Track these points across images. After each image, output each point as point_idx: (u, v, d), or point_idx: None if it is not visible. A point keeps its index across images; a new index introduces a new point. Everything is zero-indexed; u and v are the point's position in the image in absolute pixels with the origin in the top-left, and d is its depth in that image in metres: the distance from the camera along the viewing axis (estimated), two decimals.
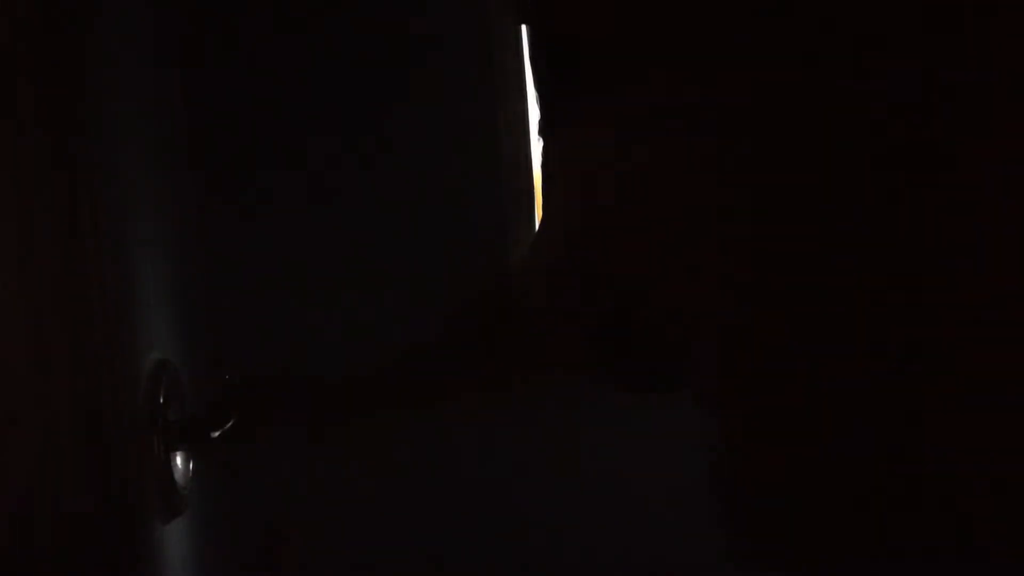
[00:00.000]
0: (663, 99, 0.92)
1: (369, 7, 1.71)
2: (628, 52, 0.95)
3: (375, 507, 1.77)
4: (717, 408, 0.97)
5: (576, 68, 1.00)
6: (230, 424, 1.23)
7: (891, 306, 0.86)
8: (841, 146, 0.87)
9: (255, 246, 1.73)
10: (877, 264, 0.86)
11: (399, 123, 1.72)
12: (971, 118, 0.85)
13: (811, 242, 0.88)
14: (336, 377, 1.26)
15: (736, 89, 0.89)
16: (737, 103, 0.89)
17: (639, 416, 1.70)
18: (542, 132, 1.09)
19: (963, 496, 0.86)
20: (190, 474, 1.34)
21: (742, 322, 0.91)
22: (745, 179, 0.89)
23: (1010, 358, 0.84)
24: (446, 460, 1.77)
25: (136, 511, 1.18)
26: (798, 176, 0.88)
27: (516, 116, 1.75)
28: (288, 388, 1.27)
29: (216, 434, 1.24)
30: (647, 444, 1.74)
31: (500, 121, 1.73)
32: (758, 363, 0.92)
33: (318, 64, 1.71)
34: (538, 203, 1.75)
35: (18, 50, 0.96)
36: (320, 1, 1.71)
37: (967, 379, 0.85)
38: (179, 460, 1.30)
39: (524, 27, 1.12)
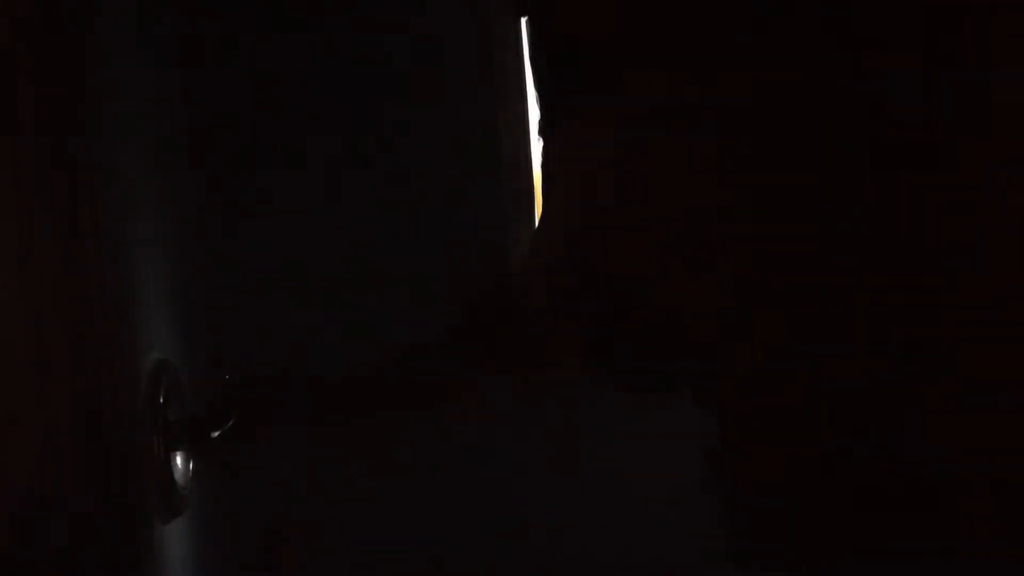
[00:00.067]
0: (663, 99, 0.92)
1: (369, 7, 1.71)
2: (628, 52, 0.95)
3: (375, 507, 1.77)
4: (717, 408, 0.97)
5: (576, 68, 1.00)
6: (230, 424, 1.23)
7: (891, 306, 0.86)
8: (841, 146, 0.87)
9: (255, 246, 1.73)
10: (877, 264, 0.86)
11: (399, 123, 1.72)
12: (971, 118, 0.85)
13: (811, 242, 0.88)
14: (336, 377, 1.26)
15: (736, 89, 0.89)
16: (737, 103, 0.89)
17: (639, 416, 1.70)
18: (542, 132, 1.09)
19: (963, 496, 0.86)
20: (190, 474, 1.34)
21: (742, 322, 0.91)
22: (745, 179, 0.89)
23: (1010, 358, 0.84)
24: (446, 460, 1.77)
25: (136, 511, 1.18)
26: (798, 176, 0.88)
27: (516, 116, 1.75)
28: (288, 388, 1.27)
29: (216, 434, 1.24)
30: (647, 444, 1.74)
31: (500, 121, 1.73)
32: (758, 363, 0.92)
33: (318, 64, 1.71)
34: (538, 203, 1.75)
35: (18, 50, 0.96)
36: (320, 1, 1.71)
37: (967, 379, 0.85)
38: (179, 460, 1.30)
39: (524, 27, 1.12)
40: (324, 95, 1.71)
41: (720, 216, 0.90)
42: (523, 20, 1.15)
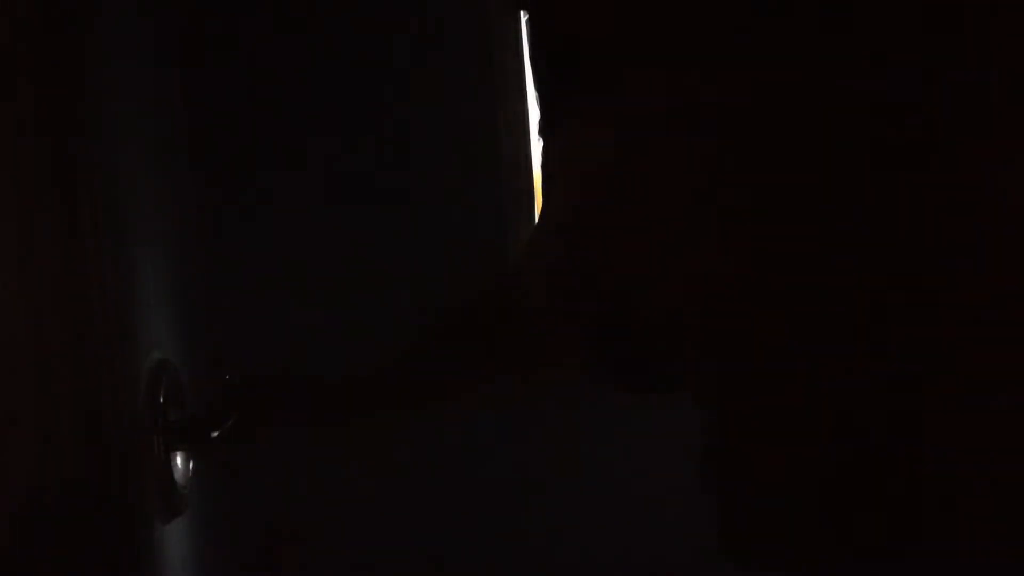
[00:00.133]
0: (663, 99, 0.92)
1: (369, 7, 1.71)
2: (628, 52, 0.95)
3: (375, 507, 1.77)
4: (716, 407, 0.97)
5: (576, 68, 1.00)
6: (230, 424, 1.23)
7: (891, 306, 0.86)
8: (841, 146, 0.87)
9: (255, 246, 1.73)
10: (877, 264, 0.86)
11: (399, 123, 1.72)
12: (971, 118, 0.85)
13: (811, 242, 0.88)
14: (336, 377, 1.26)
15: (736, 89, 0.89)
16: (737, 103, 0.89)
17: (639, 416, 1.70)
18: (542, 132, 1.09)
19: (963, 496, 0.86)
20: (190, 474, 1.34)
21: (741, 322, 0.91)
22: (745, 179, 0.89)
23: (1010, 358, 0.84)
24: (446, 460, 1.77)
25: (136, 511, 1.18)
26: (798, 176, 0.88)
27: (516, 116, 1.75)
28: (288, 388, 1.26)
29: (216, 434, 1.24)
30: (647, 444, 1.74)
31: (500, 121, 1.73)
32: (757, 363, 0.92)
33: (318, 64, 1.71)
34: (538, 203, 1.75)
35: (18, 50, 0.96)
36: (320, 1, 1.71)
37: (967, 379, 0.85)
38: (179, 460, 1.30)
39: (524, 27, 1.12)
40: (324, 95, 1.71)
41: (720, 216, 0.90)
42: (523, 20, 1.15)
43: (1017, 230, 0.84)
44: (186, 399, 1.35)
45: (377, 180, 1.73)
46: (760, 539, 0.96)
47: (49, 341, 0.97)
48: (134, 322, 1.23)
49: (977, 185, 0.84)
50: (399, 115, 1.72)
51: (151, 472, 1.23)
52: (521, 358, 1.19)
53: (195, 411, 1.32)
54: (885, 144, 0.86)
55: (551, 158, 1.07)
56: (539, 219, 1.10)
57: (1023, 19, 0.84)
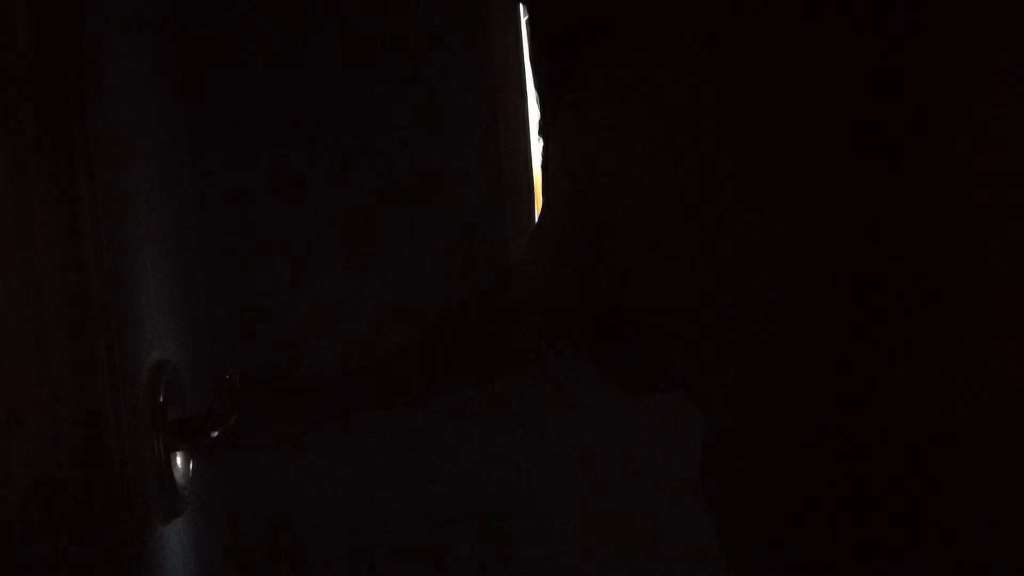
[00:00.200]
0: (663, 98, 0.92)
1: (369, 7, 1.71)
2: (628, 51, 0.95)
3: (375, 507, 1.77)
4: (715, 407, 0.97)
5: (576, 68, 1.00)
6: (230, 424, 1.23)
7: (895, 306, 0.86)
8: (843, 144, 0.87)
9: (255, 246, 1.73)
10: (880, 263, 0.86)
11: (399, 123, 1.72)
12: (971, 115, 0.85)
13: (812, 241, 0.88)
14: (335, 376, 1.26)
15: (736, 88, 0.89)
16: (737, 101, 0.89)
17: (639, 415, 1.71)
18: (542, 132, 1.09)
19: (964, 495, 0.86)
20: (190, 474, 1.34)
21: (742, 320, 0.91)
22: (745, 178, 0.89)
23: (1012, 357, 0.84)
24: (446, 460, 1.77)
25: (136, 511, 1.18)
26: (799, 175, 0.88)
27: (516, 116, 1.75)
28: (288, 388, 1.26)
29: (216, 434, 1.24)
30: (647, 444, 1.74)
31: (500, 121, 1.73)
32: (758, 362, 0.92)
33: (318, 64, 1.71)
34: (538, 202, 1.75)
35: (18, 50, 0.96)
36: (320, 1, 1.71)
37: (969, 378, 0.85)
38: (179, 460, 1.30)
39: (524, 26, 1.12)
40: (324, 95, 1.71)
41: (720, 215, 0.90)
42: (523, 20, 1.14)
43: (1017, 228, 0.84)
44: (186, 399, 1.35)
45: (377, 180, 1.73)
46: (759, 538, 0.96)
47: (49, 341, 0.97)
48: (134, 322, 1.23)
49: (983, 184, 0.84)
50: (399, 114, 1.72)
51: (151, 472, 1.23)
52: (521, 358, 1.19)
53: (195, 411, 1.32)
54: (887, 142, 0.86)
55: (551, 158, 1.07)
56: (538, 219, 1.10)
57: (1022, 16, 0.84)
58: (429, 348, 1.21)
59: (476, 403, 1.70)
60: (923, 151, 0.85)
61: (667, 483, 1.72)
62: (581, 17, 1.01)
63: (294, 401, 1.25)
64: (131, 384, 1.19)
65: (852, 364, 0.88)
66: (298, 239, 1.73)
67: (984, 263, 0.84)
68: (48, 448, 0.96)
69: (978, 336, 0.85)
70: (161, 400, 1.25)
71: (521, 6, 1.20)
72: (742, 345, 0.92)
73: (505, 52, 1.73)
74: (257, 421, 1.25)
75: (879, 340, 0.87)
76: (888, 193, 0.86)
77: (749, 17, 0.90)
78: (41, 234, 0.97)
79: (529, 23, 1.08)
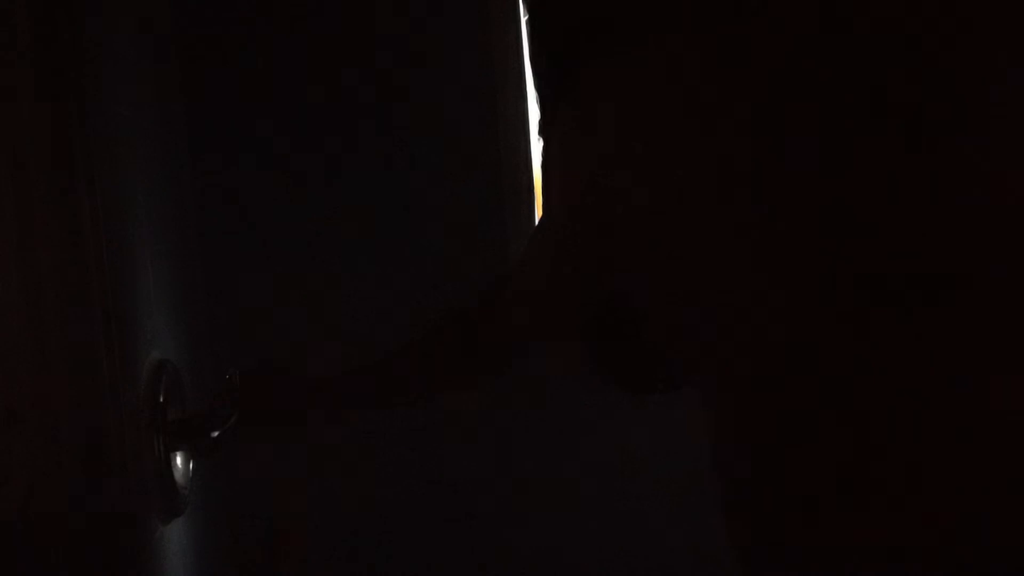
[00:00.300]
0: (663, 98, 0.92)
1: (369, 7, 1.71)
2: (628, 50, 0.95)
3: (374, 507, 1.77)
4: (721, 406, 0.97)
5: (576, 68, 1.00)
6: (230, 424, 1.23)
7: (896, 306, 0.86)
8: (845, 142, 0.87)
9: (255, 246, 1.73)
10: (880, 263, 0.86)
11: (399, 123, 1.72)
12: (972, 118, 0.85)
13: (813, 241, 0.88)
14: (335, 376, 1.26)
15: (737, 88, 0.89)
16: (737, 101, 0.89)
17: (639, 415, 1.71)
18: (542, 132, 1.09)
19: (970, 496, 0.86)
20: (190, 474, 1.34)
21: (742, 320, 0.91)
22: (745, 177, 0.89)
23: (1012, 358, 0.84)
24: (445, 460, 1.77)
25: (136, 511, 1.18)
26: (801, 173, 0.88)
27: (516, 116, 1.75)
28: (288, 388, 1.26)
29: (216, 434, 1.24)
30: (646, 444, 1.74)
31: (500, 121, 1.73)
32: (760, 362, 0.92)
33: (318, 64, 1.71)
34: (538, 202, 1.75)
35: (18, 49, 0.96)
36: (320, 1, 1.71)
37: (975, 379, 0.85)
38: (179, 460, 1.30)
39: (524, 26, 1.12)
40: (324, 95, 1.71)
41: (720, 216, 0.90)
42: (523, 20, 1.15)
43: (1016, 227, 0.84)
44: (186, 399, 1.35)
45: (377, 180, 1.73)
46: (764, 537, 0.96)
47: (49, 341, 0.97)
48: (134, 322, 1.23)
49: (986, 181, 0.84)
50: (399, 114, 1.72)
51: (151, 472, 1.23)
52: (521, 358, 1.19)
53: (195, 411, 1.32)
54: (881, 141, 0.86)
55: (551, 158, 1.07)
56: (538, 220, 1.10)
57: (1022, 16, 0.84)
58: (429, 348, 1.20)
59: (476, 403, 1.70)
60: (924, 151, 0.85)
61: (667, 483, 1.73)
62: (581, 17, 1.00)
63: (294, 401, 1.25)
64: (131, 384, 1.19)
65: (852, 364, 0.88)
66: (298, 239, 1.73)
67: (985, 264, 0.84)
68: (48, 448, 0.96)
69: (979, 336, 0.85)
70: (161, 400, 1.25)
71: (521, 6, 1.20)
72: (742, 345, 0.92)
73: (505, 52, 1.73)
74: (257, 421, 1.25)
75: (879, 340, 0.87)
76: (888, 193, 0.86)
77: (749, 17, 0.90)
78: (41, 234, 0.97)
79: (529, 23, 1.07)
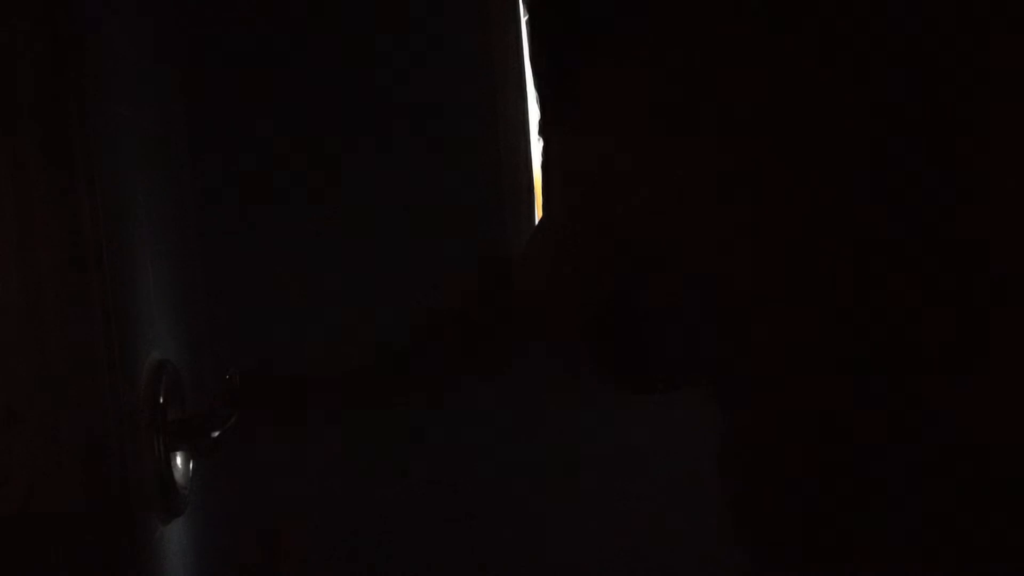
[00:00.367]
0: (664, 97, 0.92)
1: (369, 7, 1.71)
2: (629, 51, 0.95)
3: (375, 507, 1.77)
4: (729, 406, 0.97)
5: (576, 67, 1.00)
6: (230, 424, 1.23)
7: (896, 306, 0.86)
8: (846, 144, 0.87)
9: (255, 246, 1.73)
10: (880, 264, 0.86)
11: (399, 123, 1.72)
12: (971, 117, 0.85)
13: (815, 239, 0.88)
14: (335, 376, 1.26)
15: (737, 89, 0.89)
16: (738, 103, 0.89)
17: (639, 416, 1.71)
18: (542, 132, 1.09)
19: (982, 495, 0.86)
20: (190, 474, 1.34)
21: (743, 321, 0.91)
22: (746, 178, 0.89)
23: (1013, 359, 0.84)
24: (445, 459, 1.77)
25: (136, 511, 1.18)
26: (802, 175, 0.88)
27: (516, 116, 1.75)
28: (287, 387, 1.27)
29: (216, 434, 1.24)
30: (647, 443, 1.74)
31: (500, 121, 1.73)
32: (759, 362, 0.92)
33: (318, 64, 1.71)
34: (538, 202, 1.75)
35: (18, 49, 0.96)
36: (320, 1, 1.71)
37: (986, 382, 0.85)
38: (179, 460, 1.30)
39: (524, 26, 1.12)
40: (324, 95, 1.71)
41: (722, 215, 0.90)
42: (523, 20, 1.15)
43: (1016, 227, 0.84)
44: (186, 399, 1.35)
45: (377, 180, 1.73)
46: (771, 536, 0.96)
47: (49, 341, 0.97)
48: (134, 322, 1.23)
49: (997, 186, 0.84)
50: (399, 114, 1.72)
51: (151, 472, 1.23)
52: (520, 358, 1.19)
53: (195, 411, 1.32)
54: (881, 141, 0.86)
55: (551, 158, 1.07)
56: (539, 221, 1.10)
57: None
58: (429, 348, 1.21)
59: (476, 403, 1.70)
60: (925, 151, 0.85)
61: (667, 484, 1.73)
62: (581, 17, 1.00)
63: (294, 401, 1.25)
64: (131, 384, 1.19)
65: (852, 365, 0.88)
66: (298, 239, 1.73)
67: (985, 264, 0.84)
68: (48, 448, 0.96)
69: (979, 337, 0.85)
70: (161, 400, 1.25)
71: (521, 6, 1.20)
72: (742, 345, 0.92)
73: (505, 52, 1.73)
74: (257, 422, 1.25)
75: (880, 341, 0.87)
76: (889, 194, 0.86)
77: (749, 17, 0.90)
78: (41, 234, 0.97)
79: (529, 23, 1.08)
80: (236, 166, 1.71)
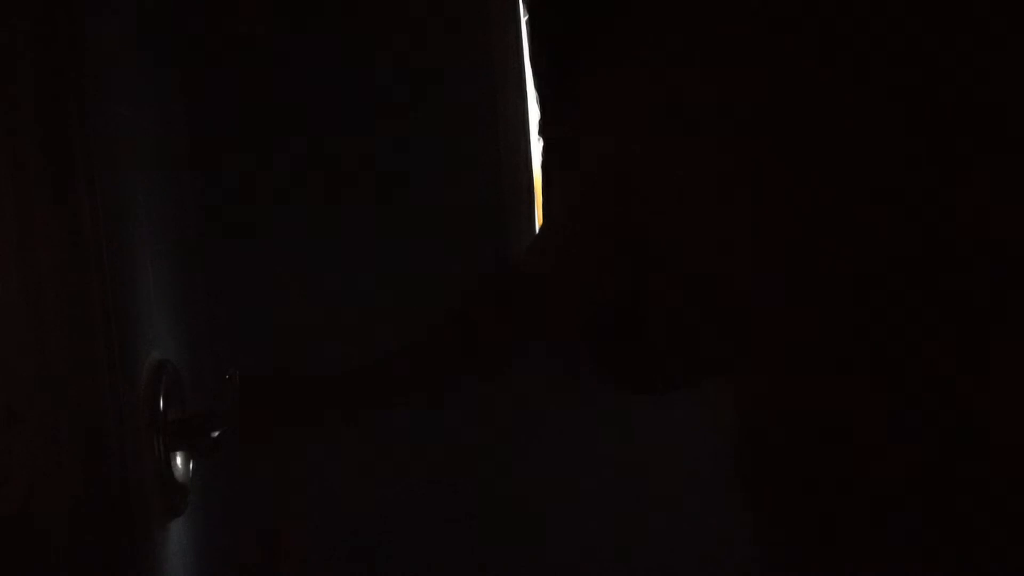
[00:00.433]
0: (664, 98, 0.92)
1: (369, 7, 1.71)
2: (629, 51, 0.95)
3: (375, 507, 1.77)
4: (720, 406, 0.97)
5: (576, 67, 1.00)
6: (230, 424, 1.23)
7: (896, 306, 0.86)
8: (842, 146, 0.87)
9: (255, 246, 1.73)
10: (880, 263, 0.86)
11: (399, 123, 1.72)
12: (972, 117, 0.85)
13: (812, 240, 0.88)
14: (335, 376, 1.26)
15: (737, 88, 0.89)
16: (738, 103, 0.89)
17: (640, 415, 1.70)
18: (542, 132, 1.09)
19: (982, 495, 0.85)
20: (190, 474, 1.34)
21: (743, 319, 0.91)
22: (747, 178, 0.89)
23: (1012, 358, 0.84)
24: (446, 460, 1.77)
25: (136, 511, 1.18)
26: (802, 175, 0.88)
27: (516, 116, 1.75)
28: (288, 388, 1.26)
29: (216, 434, 1.24)
30: (647, 444, 1.74)
31: (500, 121, 1.73)
32: (760, 361, 0.92)
33: (318, 64, 1.71)
34: (538, 203, 1.75)
35: (18, 49, 0.96)
36: (320, 1, 1.71)
37: (989, 379, 0.85)
38: (179, 460, 1.30)
39: (524, 26, 1.12)
40: (324, 95, 1.71)
41: (724, 215, 0.90)
42: (523, 19, 1.14)
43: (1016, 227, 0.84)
44: (186, 399, 1.35)
45: (377, 180, 1.73)
46: (760, 539, 0.96)
47: (49, 341, 0.97)
48: (134, 322, 1.23)
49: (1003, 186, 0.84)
50: (399, 114, 1.72)
51: (151, 472, 1.23)
52: (522, 358, 1.19)
53: (195, 411, 1.32)
54: (881, 141, 0.86)
55: (551, 158, 1.07)
56: (540, 223, 1.10)
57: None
58: (429, 348, 1.20)
59: (476, 403, 1.70)
60: (925, 151, 0.85)
61: (667, 484, 1.72)
62: (581, 17, 1.01)
63: (295, 402, 1.25)
64: (131, 384, 1.19)
65: (852, 365, 0.88)
66: (298, 239, 1.73)
67: (985, 265, 0.84)
68: (48, 448, 0.96)
69: (979, 337, 0.85)
70: (161, 400, 1.25)
71: (521, 6, 1.20)
72: (744, 345, 0.92)
73: (505, 52, 1.73)
74: (258, 422, 1.25)
75: (880, 341, 0.87)
76: (889, 194, 0.86)
77: (749, 17, 0.90)
78: (41, 234, 0.97)
79: (529, 23, 1.08)
80: (236, 166, 1.71)
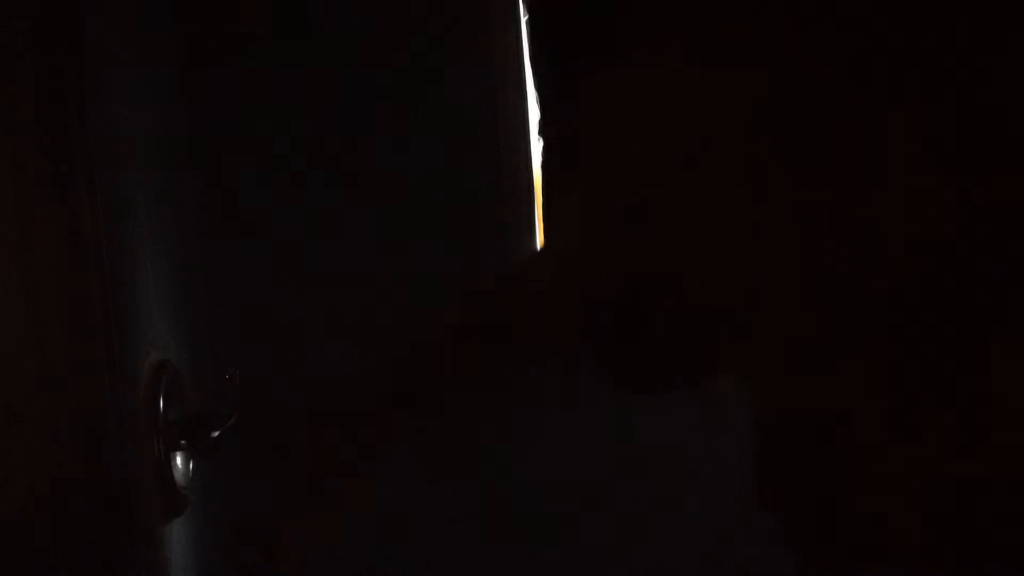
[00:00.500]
0: (662, 99, 0.92)
1: (369, 7, 1.71)
2: (629, 50, 0.95)
3: (375, 507, 1.77)
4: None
5: (576, 66, 1.00)
6: (230, 424, 1.23)
7: (896, 307, 0.86)
8: (842, 146, 0.87)
9: (255, 246, 1.73)
10: (881, 264, 0.86)
11: (399, 123, 1.72)
12: (971, 117, 0.85)
13: (812, 241, 0.88)
14: (336, 377, 1.26)
15: (737, 88, 0.89)
16: (741, 102, 0.89)
17: (640, 415, 1.71)
18: (542, 132, 1.09)
19: (982, 495, 0.85)
20: (190, 474, 1.34)
21: (743, 319, 0.91)
22: (747, 178, 0.89)
23: (1011, 358, 0.84)
24: (447, 461, 1.77)
25: (136, 511, 1.18)
26: (810, 178, 0.88)
27: (516, 116, 1.75)
28: (288, 389, 1.26)
29: (216, 434, 1.24)
30: (647, 444, 1.74)
31: (500, 121, 1.73)
32: (760, 362, 0.92)
33: (318, 64, 1.71)
34: (538, 202, 1.75)
35: (18, 49, 0.96)
36: (321, 1, 1.71)
37: (989, 379, 0.85)
38: (179, 460, 1.30)
39: (524, 26, 1.12)
40: (324, 95, 1.71)
41: (725, 216, 0.90)
42: (523, 20, 1.15)
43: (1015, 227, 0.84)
44: (186, 399, 1.35)
45: (377, 180, 1.73)
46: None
47: (49, 341, 0.97)
48: (134, 322, 1.23)
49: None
50: (399, 114, 1.72)
51: (151, 472, 1.23)
52: (522, 358, 1.19)
53: (195, 411, 1.32)
54: (881, 141, 0.86)
55: (551, 158, 1.07)
56: (539, 221, 1.10)
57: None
58: (432, 350, 1.21)
59: (476, 404, 1.70)
60: (925, 151, 0.85)
61: (667, 483, 1.72)
62: (581, 17, 1.00)
63: (295, 403, 1.25)
64: (131, 384, 1.19)
65: (852, 365, 0.88)
66: (298, 239, 1.73)
67: (986, 264, 0.84)
68: (48, 448, 0.96)
69: (979, 337, 0.85)
70: (161, 400, 1.25)
71: (521, 6, 1.20)
72: (742, 345, 0.92)
73: (505, 52, 1.73)
74: (257, 422, 1.25)
75: (880, 341, 0.87)
76: (889, 194, 0.85)
77: (749, 17, 0.90)
78: (41, 234, 0.97)
79: (529, 23, 1.07)
80: (236, 166, 1.71)
